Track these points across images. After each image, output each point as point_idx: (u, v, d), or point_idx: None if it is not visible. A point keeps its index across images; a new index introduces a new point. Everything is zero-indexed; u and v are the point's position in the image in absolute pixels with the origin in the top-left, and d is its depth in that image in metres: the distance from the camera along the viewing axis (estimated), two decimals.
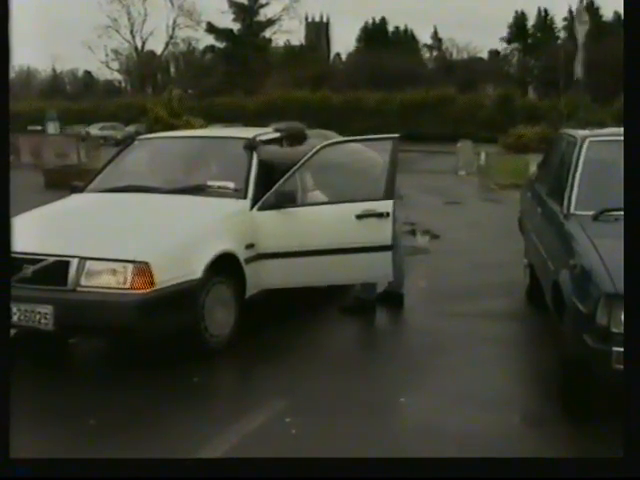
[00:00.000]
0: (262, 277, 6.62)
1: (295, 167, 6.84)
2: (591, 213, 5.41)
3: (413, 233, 12.47)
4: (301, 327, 7.02)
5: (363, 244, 6.76)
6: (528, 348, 6.51)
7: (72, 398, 5.27)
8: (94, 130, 49.77)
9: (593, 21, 25.77)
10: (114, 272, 5.44)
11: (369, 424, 4.87)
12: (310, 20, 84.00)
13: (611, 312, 4.20)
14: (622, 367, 4.18)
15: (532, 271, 7.29)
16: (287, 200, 6.73)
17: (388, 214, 6.83)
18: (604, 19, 71.59)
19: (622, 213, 5.37)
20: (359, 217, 6.75)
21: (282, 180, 6.76)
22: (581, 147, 6.11)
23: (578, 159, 5.99)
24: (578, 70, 22.33)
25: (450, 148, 28.27)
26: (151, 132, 14.80)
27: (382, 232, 6.80)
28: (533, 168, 10.84)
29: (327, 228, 6.81)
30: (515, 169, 19.68)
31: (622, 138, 6.93)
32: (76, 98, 72.93)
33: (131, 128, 45.75)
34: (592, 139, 6.30)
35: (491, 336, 6.70)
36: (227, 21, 75.25)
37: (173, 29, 75.83)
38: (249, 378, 5.87)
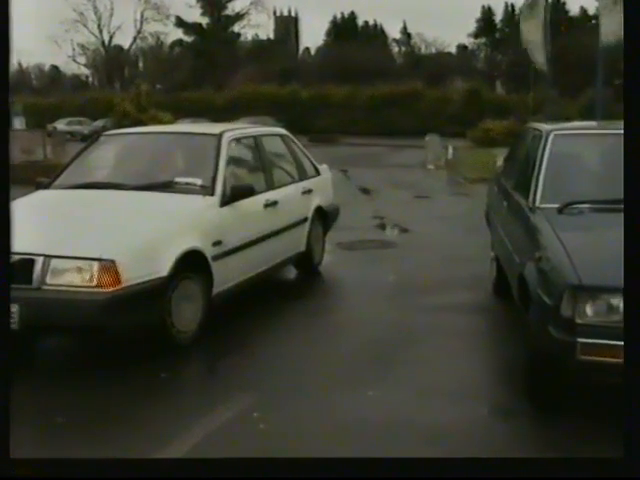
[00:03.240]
0: (230, 273, 6.65)
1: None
2: (556, 206, 5.45)
3: (382, 227, 12.53)
4: (268, 322, 7.00)
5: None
6: (495, 341, 6.55)
7: (38, 397, 5.21)
8: (61, 125, 49.30)
9: (559, 16, 25.99)
10: (80, 270, 5.38)
11: (336, 418, 4.87)
12: (279, 14, 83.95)
13: (576, 304, 4.24)
14: (587, 358, 4.24)
15: (499, 264, 7.33)
16: (243, 193, 6.94)
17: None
18: (570, 14, 72.16)
19: (586, 206, 5.47)
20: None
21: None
22: (546, 141, 6.15)
23: (543, 153, 6.02)
24: (541, 64, 22.49)
25: (418, 142, 28.40)
26: (119, 127, 14.71)
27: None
28: (500, 162, 10.89)
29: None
30: (483, 163, 19.77)
31: (587, 132, 7.07)
32: (43, 93, 72.24)
33: (99, 123, 45.40)
34: (557, 133, 6.33)
35: (459, 329, 6.74)
36: (195, 15, 75.05)
37: (141, 23, 75.49)
38: (217, 373, 5.84)
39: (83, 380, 5.56)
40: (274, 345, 6.40)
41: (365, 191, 18.08)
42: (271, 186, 7.80)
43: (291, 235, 8.03)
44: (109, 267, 5.37)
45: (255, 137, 8.10)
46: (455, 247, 10.32)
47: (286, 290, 8.42)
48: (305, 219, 8.45)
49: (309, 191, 8.64)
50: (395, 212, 13.95)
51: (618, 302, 4.20)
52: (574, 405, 5.01)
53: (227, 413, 4.89)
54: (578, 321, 4.25)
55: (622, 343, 4.17)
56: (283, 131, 9.33)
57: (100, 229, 5.95)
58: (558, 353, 4.42)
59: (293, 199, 8.20)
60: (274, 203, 7.56)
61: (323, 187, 9.28)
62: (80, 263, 5.40)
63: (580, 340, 4.22)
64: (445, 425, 4.74)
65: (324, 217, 9.12)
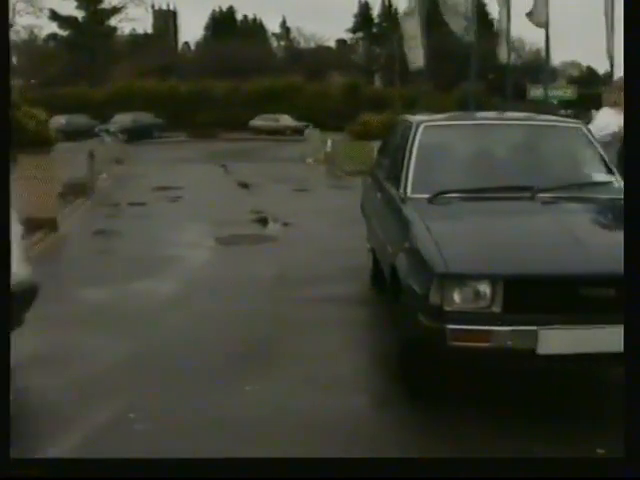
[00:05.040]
0: None
1: None
2: (426, 196, 5.54)
3: (261, 221, 12.52)
4: (138, 323, 6.88)
5: None
6: (373, 331, 6.61)
7: None
8: None
9: (433, 12, 26.60)
10: None
11: (213, 414, 4.83)
12: (157, 8, 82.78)
13: (443, 291, 4.32)
14: (457, 344, 4.33)
15: (375, 255, 7.40)
16: None
17: None
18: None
19: (455, 195, 5.59)
20: None
21: None
22: (416, 132, 6.23)
23: (413, 144, 6.11)
24: (418, 59, 22.94)
25: (298, 136, 28.49)
26: None
27: None
28: None
29: None
30: (361, 156, 19.96)
31: (455, 123, 7.24)
32: None
33: None
34: (427, 124, 6.43)
35: (337, 320, 6.78)
36: (70, 8, 73.25)
37: (13, 16, 73.10)
38: (87, 380, 5.61)
39: None
40: (147, 344, 6.26)
41: (244, 186, 18.04)
42: None
43: None
44: None
45: None
46: (334, 240, 10.40)
47: (163, 288, 8.29)
48: None
49: None
50: (274, 206, 13.95)
51: (484, 288, 4.31)
52: (450, 390, 5.10)
53: (102, 416, 4.76)
54: (447, 308, 4.33)
55: (489, 328, 4.31)
56: None
57: None
58: (429, 340, 4.50)
59: None
60: None
61: None
62: None
63: (449, 327, 4.30)
64: (324, 417, 4.77)
65: None
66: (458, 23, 21.06)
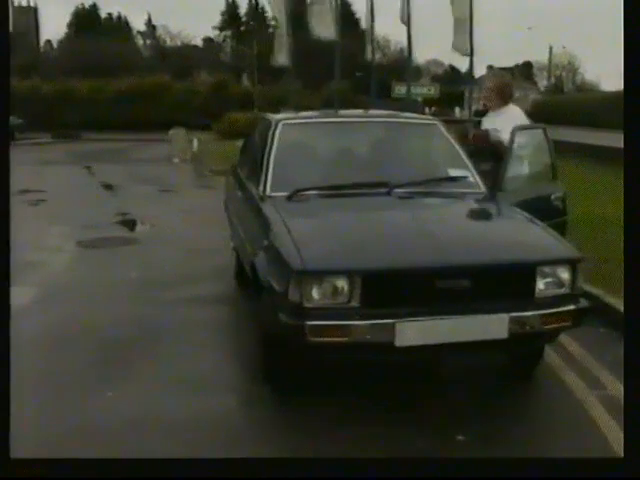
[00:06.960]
0: None
1: None
2: (285, 194, 5.55)
3: (125, 223, 12.33)
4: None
5: None
6: (239, 330, 6.59)
7: None
8: None
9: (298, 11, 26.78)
10: None
11: (75, 422, 4.73)
12: (17, 4, 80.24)
13: (302, 289, 4.34)
14: (317, 339, 4.36)
15: (238, 254, 7.39)
16: None
17: None
18: None
19: (314, 192, 5.63)
20: None
21: None
22: (275, 130, 6.24)
23: (272, 142, 6.12)
24: (282, 58, 23.00)
25: (165, 136, 28.21)
26: None
27: None
28: None
29: None
30: (228, 154, 19.93)
31: (314, 120, 7.29)
32: None
33: None
34: (285, 122, 6.45)
35: (202, 321, 6.75)
36: None
37: None
38: None
39: None
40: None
41: (108, 187, 17.71)
42: None
43: None
44: None
45: None
46: (199, 240, 10.35)
47: (20, 294, 8.03)
48: None
49: None
50: (139, 207, 13.78)
51: (342, 284, 4.35)
52: (316, 385, 5.19)
53: None
54: (306, 305, 4.35)
55: (348, 323, 4.36)
56: None
57: None
58: (290, 337, 4.52)
59: None
60: None
61: None
62: None
63: (308, 323, 4.32)
64: (194, 419, 4.74)
65: None
66: (322, 23, 21.21)
